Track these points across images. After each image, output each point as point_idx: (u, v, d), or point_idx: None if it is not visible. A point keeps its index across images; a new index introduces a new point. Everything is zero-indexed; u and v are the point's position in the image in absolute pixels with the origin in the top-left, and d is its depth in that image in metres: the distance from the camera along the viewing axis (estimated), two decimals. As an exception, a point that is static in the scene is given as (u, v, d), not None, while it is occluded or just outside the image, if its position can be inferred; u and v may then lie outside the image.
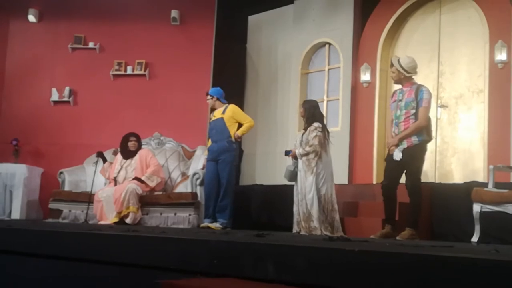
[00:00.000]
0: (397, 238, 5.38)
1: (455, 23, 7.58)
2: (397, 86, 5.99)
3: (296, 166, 6.26)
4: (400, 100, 5.66)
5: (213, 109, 7.31)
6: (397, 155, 5.52)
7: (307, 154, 6.15)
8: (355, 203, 6.76)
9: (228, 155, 6.97)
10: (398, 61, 5.66)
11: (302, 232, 6.09)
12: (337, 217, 6.18)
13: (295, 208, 6.28)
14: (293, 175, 6.27)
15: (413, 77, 5.72)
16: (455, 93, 7.47)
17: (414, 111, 5.55)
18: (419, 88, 5.61)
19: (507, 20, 6.79)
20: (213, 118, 7.20)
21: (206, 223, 6.86)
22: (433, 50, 7.74)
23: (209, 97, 7.24)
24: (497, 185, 5.24)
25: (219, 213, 6.85)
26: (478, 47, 7.22)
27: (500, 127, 6.71)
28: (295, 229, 6.23)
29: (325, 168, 6.22)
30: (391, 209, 5.69)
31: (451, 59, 7.56)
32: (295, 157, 6.30)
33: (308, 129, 6.29)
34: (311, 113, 6.39)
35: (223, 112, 7.11)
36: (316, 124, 6.27)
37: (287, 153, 6.45)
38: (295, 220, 6.27)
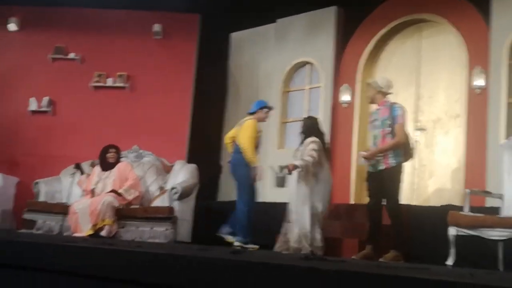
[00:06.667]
0: (381, 260, 5.36)
1: (434, 48, 7.69)
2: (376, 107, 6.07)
3: (284, 173, 6.20)
4: (376, 120, 5.77)
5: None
6: (360, 160, 5.81)
7: (301, 166, 6.05)
8: (333, 223, 6.76)
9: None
10: (374, 81, 5.93)
11: (284, 252, 5.93)
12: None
13: (286, 227, 6.13)
14: (280, 180, 6.24)
15: (387, 96, 5.84)
16: (433, 117, 7.56)
17: (390, 129, 5.65)
18: (392, 106, 5.72)
19: (485, 47, 6.91)
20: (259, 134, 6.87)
21: (228, 236, 6.58)
22: (411, 74, 7.84)
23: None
24: (472, 209, 5.28)
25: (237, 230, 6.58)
26: (456, 72, 7.33)
27: (476, 152, 6.79)
28: (280, 247, 6.06)
29: (325, 185, 6.14)
30: (375, 229, 5.69)
31: (430, 83, 7.67)
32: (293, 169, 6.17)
33: (304, 142, 6.25)
34: (308, 128, 6.35)
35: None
36: (311, 139, 6.21)
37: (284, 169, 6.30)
38: (282, 239, 6.12)
